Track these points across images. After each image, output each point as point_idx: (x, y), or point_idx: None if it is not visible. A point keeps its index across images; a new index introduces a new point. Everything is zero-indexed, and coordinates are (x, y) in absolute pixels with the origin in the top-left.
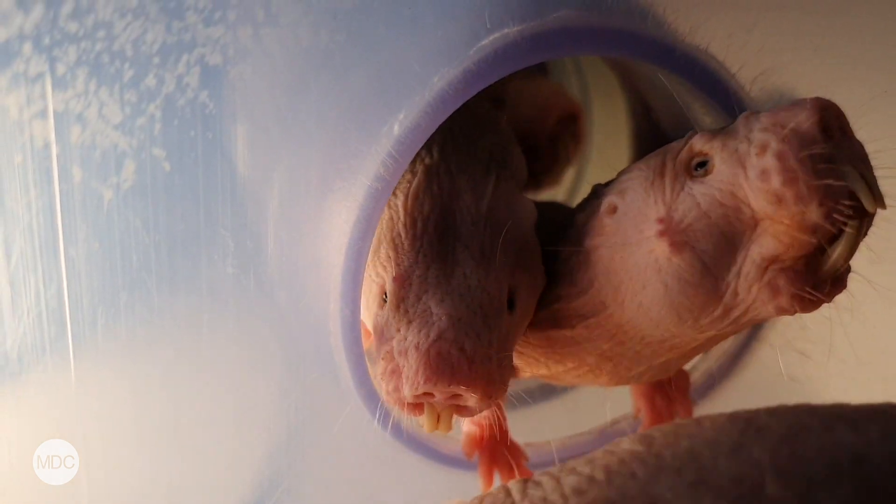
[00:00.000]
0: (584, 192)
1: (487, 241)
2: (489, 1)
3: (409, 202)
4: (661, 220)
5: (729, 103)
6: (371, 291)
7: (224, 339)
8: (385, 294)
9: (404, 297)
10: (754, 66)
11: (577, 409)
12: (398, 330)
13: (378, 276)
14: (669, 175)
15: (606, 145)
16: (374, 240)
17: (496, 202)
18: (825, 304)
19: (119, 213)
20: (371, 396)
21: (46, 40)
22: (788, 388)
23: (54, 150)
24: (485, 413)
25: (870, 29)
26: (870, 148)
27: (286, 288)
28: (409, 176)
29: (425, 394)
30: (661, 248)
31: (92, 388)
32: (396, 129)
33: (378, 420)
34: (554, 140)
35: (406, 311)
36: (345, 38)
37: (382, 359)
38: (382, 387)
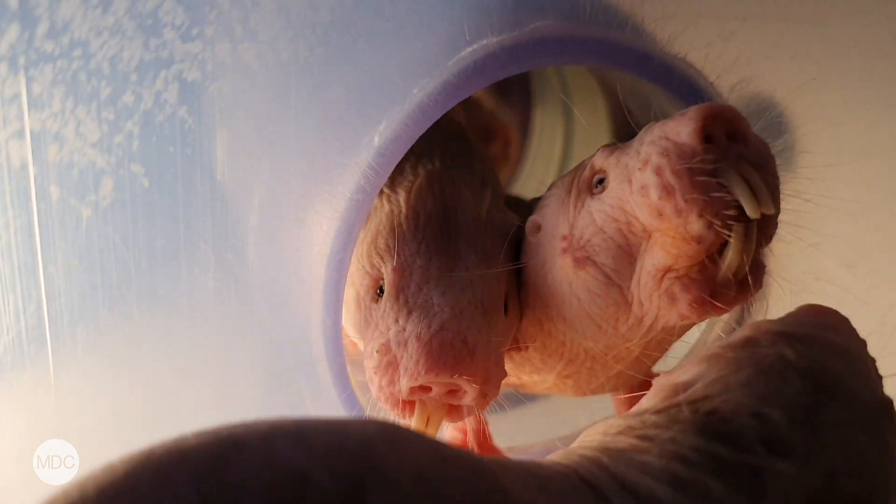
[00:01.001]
0: None
1: (489, 242)
2: (468, 13)
3: (412, 197)
4: (564, 238)
5: None
6: (362, 285)
7: (206, 351)
8: (380, 287)
9: (405, 286)
10: (732, 75)
11: (559, 412)
12: (396, 321)
13: (372, 267)
14: (574, 192)
15: (587, 146)
16: (370, 233)
17: (493, 210)
18: None
19: (98, 231)
20: (353, 405)
21: (22, 60)
22: None
23: (31, 170)
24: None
25: (845, 37)
26: (848, 150)
27: (268, 299)
28: (410, 177)
29: (421, 388)
30: (567, 264)
31: (73, 406)
32: (377, 140)
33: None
34: None
35: (406, 302)
36: (324, 52)
37: (377, 352)
38: (375, 382)
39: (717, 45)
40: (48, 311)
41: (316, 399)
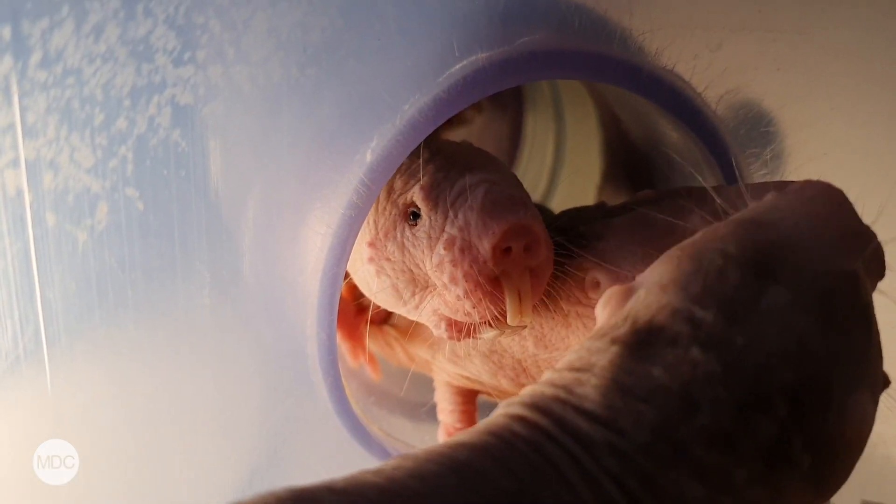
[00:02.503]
0: (556, 200)
1: (486, 153)
2: (457, 29)
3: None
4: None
5: (696, 122)
6: (394, 227)
7: (203, 368)
8: (412, 214)
9: (439, 194)
10: (720, 85)
11: None
12: (446, 217)
13: (395, 206)
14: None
15: (577, 152)
16: (383, 192)
17: None
18: None
19: (94, 254)
20: (349, 416)
21: (15, 91)
22: None
23: (27, 198)
24: (460, 427)
25: (830, 47)
26: (835, 158)
27: (263, 315)
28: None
29: (503, 252)
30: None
31: (72, 425)
32: (368, 156)
33: (358, 439)
34: None
35: (445, 203)
36: (315, 72)
37: (444, 249)
38: (458, 278)
39: (705, 57)
40: (46, 333)
41: (312, 411)
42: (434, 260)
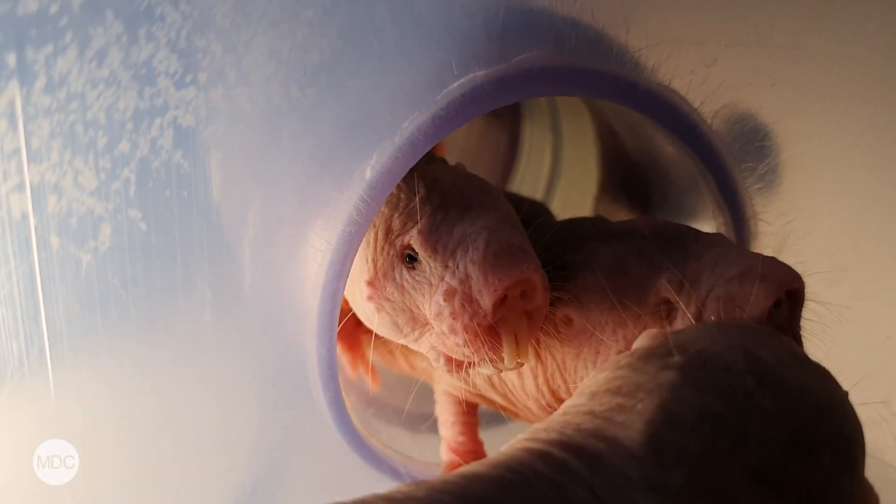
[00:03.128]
0: (553, 210)
1: (483, 185)
2: (455, 47)
3: (402, 183)
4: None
5: (692, 137)
6: (392, 268)
7: (204, 383)
8: (409, 257)
9: (438, 239)
10: (715, 100)
11: None
12: (447, 266)
13: (393, 246)
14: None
15: (574, 163)
16: (382, 223)
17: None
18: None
19: (97, 275)
20: (349, 429)
21: (20, 116)
22: None
23: (32, 221)
24: (462, 441)
25: (824, 62)
26: (830, 172)
27: (264, 331)
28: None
29: (502, 302)
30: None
31: (76, 440)
32: (368, 173)
33: (358, 452)
34: None
35: (445, 248)
36: (315, 92)
37: (444, 301)
38: (458, 330)
39: (701, 72)
40: (50, 353)
41: (312, 425)
42: (433, 308)
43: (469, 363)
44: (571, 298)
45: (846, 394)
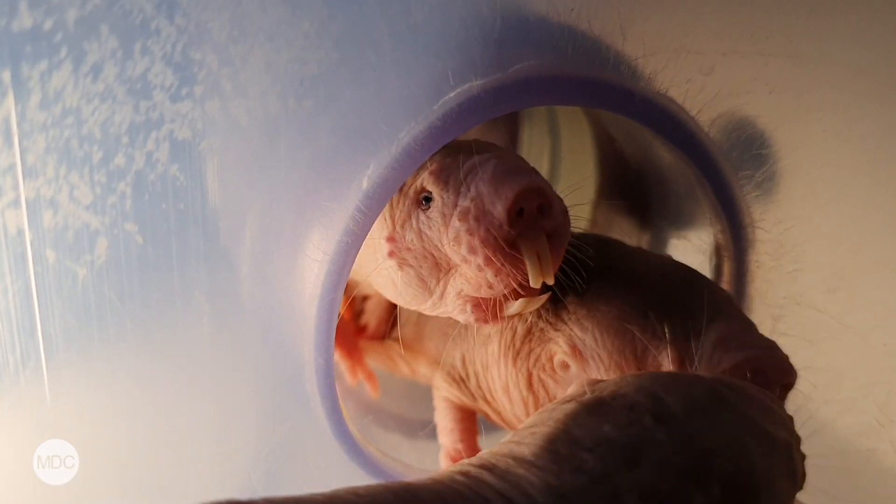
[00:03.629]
0: None
1: (490, 142)
2: (452, 57)
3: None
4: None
5: (689, 145)
6: (409, 216)
7: (202, 394)
8: (424, 199)
9: (448, 174)
10: (713, 109)
11: None
12: (458, 193)
13: (407, 196)
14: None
15: (572, 168)
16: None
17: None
18: (788, 335)
19: (94, 289)
20: (347, 438)
21: (16, 132)
22: None
23: (28, 237)
24: (460, 448)
25: (822, 70)
26: (827, 180)
27: (261, 342)
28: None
29: (518, 214)
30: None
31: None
32: (365, 183)
33: (356, 460)
34: None
35: (457, 178)
36: (312, 103)
37: (459, 220)
38: (476, 246)
39: (698, 81)
40: (47, 367)
41: (310, 434)
42: (450, 234)
43: (497, 305)
44: (571, 346)
45: (784, 444)
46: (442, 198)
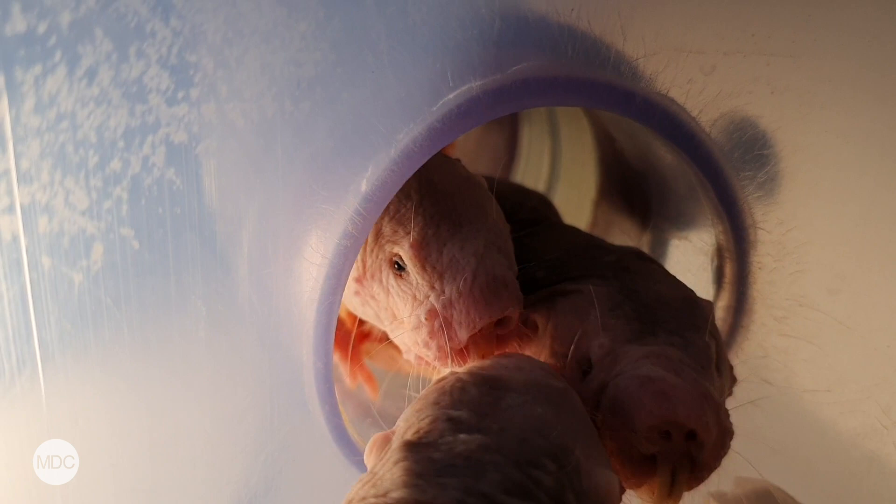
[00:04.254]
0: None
1: (475, 192)
2: (450, 59)
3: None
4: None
5: (690, 146)
6: (380, 270)
7: (200, 399)
8: (397, 265)
9: (427, 255)
10: (714, 109)
11: None
12: (433, 287)
13: (385, 252)
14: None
15: (573, 167)
16: (372, 233)
17: (463, 168)
18: (787, 334)
19: (90, 294)
20: (346, 441)
21: (10, 138)
22: (751, 412)
23: (23, 242)
24: None
25: (824, 70)
26: (829, 180)
27: (259, 346)
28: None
29: (477, 332)
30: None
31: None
32: (364, 186)
33: (355, 464)
34: None
35: (434, 268)
36: (309, 105)
37: (425, 319)
38: (432, 345)
39: (699, 81)
40: (43, 374)
41: (309, 438)
42: (413, 320)
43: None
44: (546, 310)
45: (561, 393)
46: (416, 280)
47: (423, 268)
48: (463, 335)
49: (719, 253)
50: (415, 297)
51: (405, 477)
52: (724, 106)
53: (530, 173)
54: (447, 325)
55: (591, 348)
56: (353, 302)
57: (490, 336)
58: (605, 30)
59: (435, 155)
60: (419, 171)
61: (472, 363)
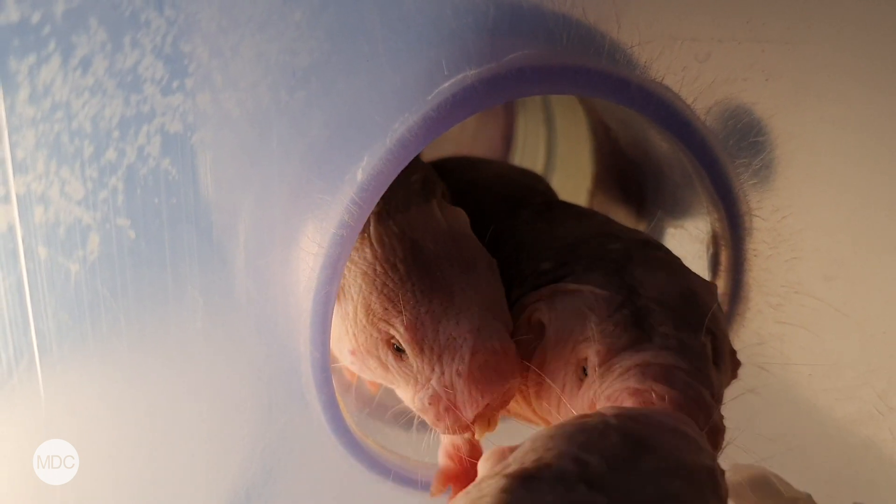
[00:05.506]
0: None
1: (462, 245)
2: (445, 47)
3: (379, 251)
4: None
5: (685, 133)
6: (376, 348)
7: (197, 390)
8: (396, 345)
9: (423, 338)
10: (709, 97)
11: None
12: (433, 370)
13: (379, 331)
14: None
15: (569, 157)
16: (361, 299)
17: (445, 211)
18: (783, 321)
19: (87, 285)
20: (344, 433)
21: (5, 127)
22: (748, 399)
23: (19, 233)
24: (459, 444)
25: (820, 57)
26: (824, 167)
27: (256, 336)
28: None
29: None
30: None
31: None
32: (360, 175)
33: (353, 454)
34: None
35: (431, 349)
36: (305, 94)
37: (429, 404)
38: (441, 425)
39: (694, 68)
40: (40, 364)
41: (307, 428)
42: (417, 404)
43: None
44: (548, 310)
45: (703, 469)
46: (416, 364)
47: (422, 350)
48: (469, 415)
49: (715, 241)
50: (416, 381)
51: None
52: (719, 93)
53: (526, 163)
54: (451, 408)
55: (589, 355)
56: (346, 360)
57: (497, 407)
58: (600, 18)
59: (414, 209)
60: (402, 231)
61: (622, 407)
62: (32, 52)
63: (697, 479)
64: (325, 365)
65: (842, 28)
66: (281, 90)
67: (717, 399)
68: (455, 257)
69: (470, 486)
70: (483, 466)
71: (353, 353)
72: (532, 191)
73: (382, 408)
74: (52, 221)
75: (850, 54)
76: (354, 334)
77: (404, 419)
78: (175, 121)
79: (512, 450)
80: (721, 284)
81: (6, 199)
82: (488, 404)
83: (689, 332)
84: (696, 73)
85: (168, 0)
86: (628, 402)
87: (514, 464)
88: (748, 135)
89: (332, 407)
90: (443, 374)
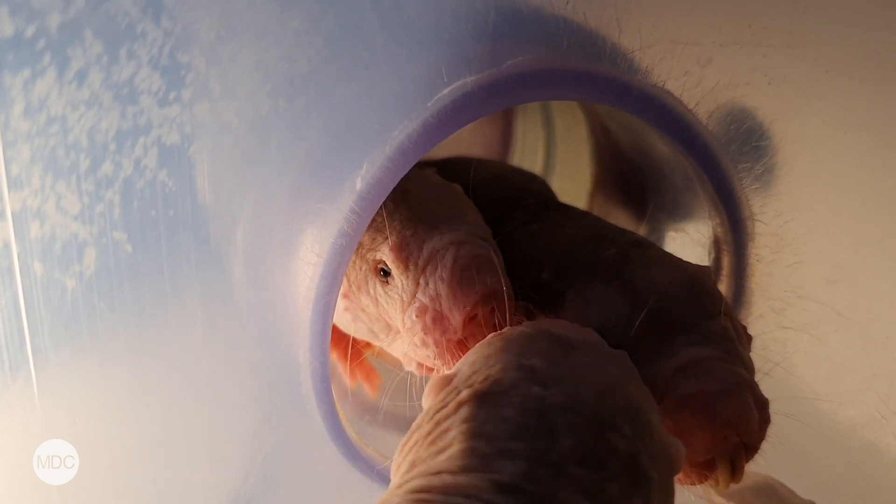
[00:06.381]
0: None
1: (447, 193)
2: (445, 54)
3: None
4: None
5: (687, 138)
6: (366, 282)
7: (197, 399)
8: (382, 271)
9: (408, 255)
10: (711, 101)
11: None
12: (418, 283)
13: (365, 261)
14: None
15: (568, 159)
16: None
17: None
18: (786, 326)
19: (83, 300)
20: (343, 440)
21: None
22: None
23: (14, 250)
24: None
25: (822, 61)
26: (826, 171)
27: (256, 346)
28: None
29: (471, 319)
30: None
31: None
32: (359, 184)
33: (353, 462)
34: None
35: (416, 265)
36: (304, 102)
37: (416, 317)
38: (429, 341)
39: (695, 73)
40: (37, 379)
41: (306, 437)
42: (406, 323)
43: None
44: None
45: (623, 357)
46: (401, 282)
47: (407, 267)
48: (457, 321)
49: (716, 245)
50: (403, 300)
51: (471, 443)
52: (720, 97)
53: (525, 165)
54: (440, 317)
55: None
56: (343, 319)
57: (488, 323)
58: (601, 22)
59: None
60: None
61: (527, 322)
62: (27, 66)
63: (618, 361)
64: (325, 375)
65: (843, 32)
66: (280, 98)
67: (752, 373)
68: (443, 202)
69: (421, 419)
70: (429, 398)
71: (345, 295)
72: (527, 191)
73: (382, 415)
74: (49, 237)
75: (851, 58)
76: (347, 274)
77: (404, 425)
78: (172, 132)
79: (449, 378)
80: (723, 289)
81: (1, 215)
82: (476, 315)
83: (708, 319)
84: (698, 77)
85: (165, 11)
86: (686, 413)
87: (463, 388)
88: (750, 139)
89: (331, 416)
90: (427, 284)
